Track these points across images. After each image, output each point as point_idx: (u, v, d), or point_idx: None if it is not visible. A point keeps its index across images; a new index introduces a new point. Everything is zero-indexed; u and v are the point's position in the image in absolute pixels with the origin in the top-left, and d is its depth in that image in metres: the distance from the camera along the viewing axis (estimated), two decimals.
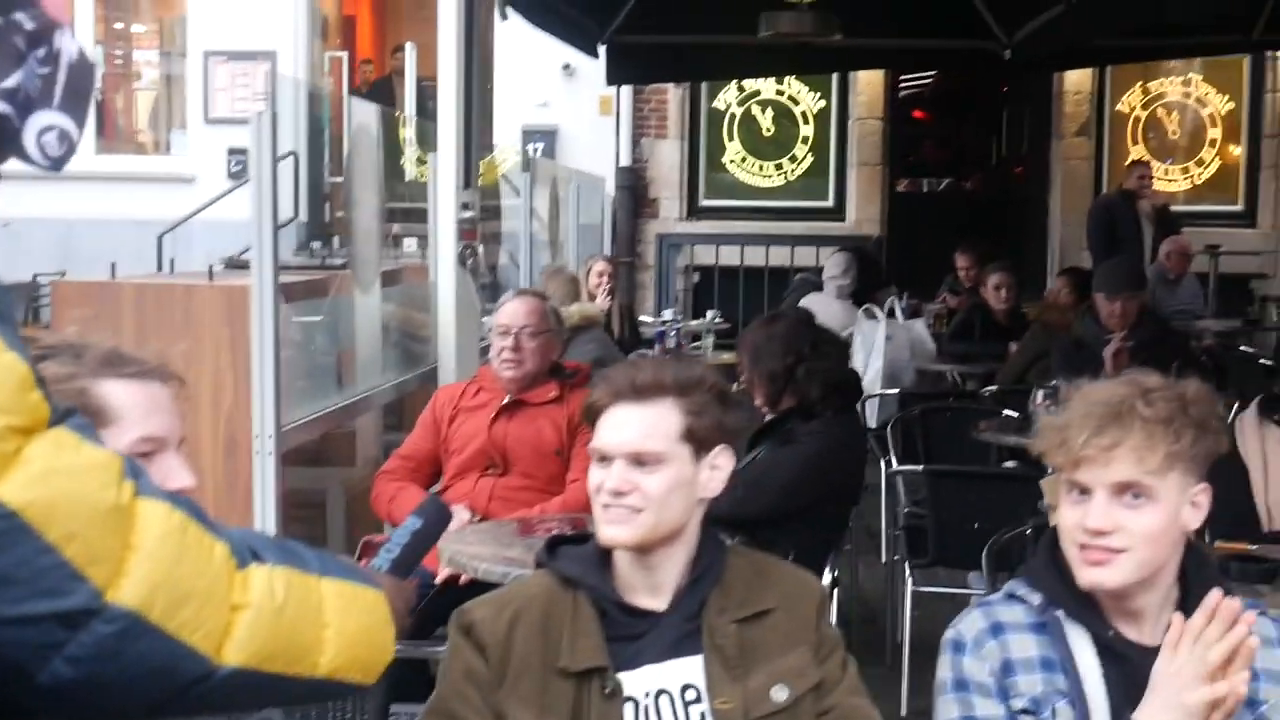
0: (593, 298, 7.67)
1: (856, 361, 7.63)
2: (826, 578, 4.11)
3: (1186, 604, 2.09)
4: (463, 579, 3.44)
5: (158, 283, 5.02)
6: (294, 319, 4.52)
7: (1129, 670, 2.03)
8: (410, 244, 7.26)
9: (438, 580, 3.70)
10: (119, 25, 12.76)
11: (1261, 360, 8.59)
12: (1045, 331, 6.74)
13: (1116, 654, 2.05)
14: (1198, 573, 2.13)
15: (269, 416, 3.78)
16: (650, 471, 2.12)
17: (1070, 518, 2.05)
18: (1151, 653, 2.02)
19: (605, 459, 2.15)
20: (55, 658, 1.19)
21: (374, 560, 1.79)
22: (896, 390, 7.09)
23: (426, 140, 6.63)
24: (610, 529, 2.13)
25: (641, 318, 9.75)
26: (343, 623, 1.40)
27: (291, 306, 4.43)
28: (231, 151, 10.45)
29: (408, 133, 8.40)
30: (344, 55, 12.86)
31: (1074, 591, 2.08)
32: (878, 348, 7.44)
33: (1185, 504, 2.04)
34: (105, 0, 12.18)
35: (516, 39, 9.91)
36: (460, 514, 4.02)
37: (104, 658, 1.20)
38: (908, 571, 4.91)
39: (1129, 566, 2.02)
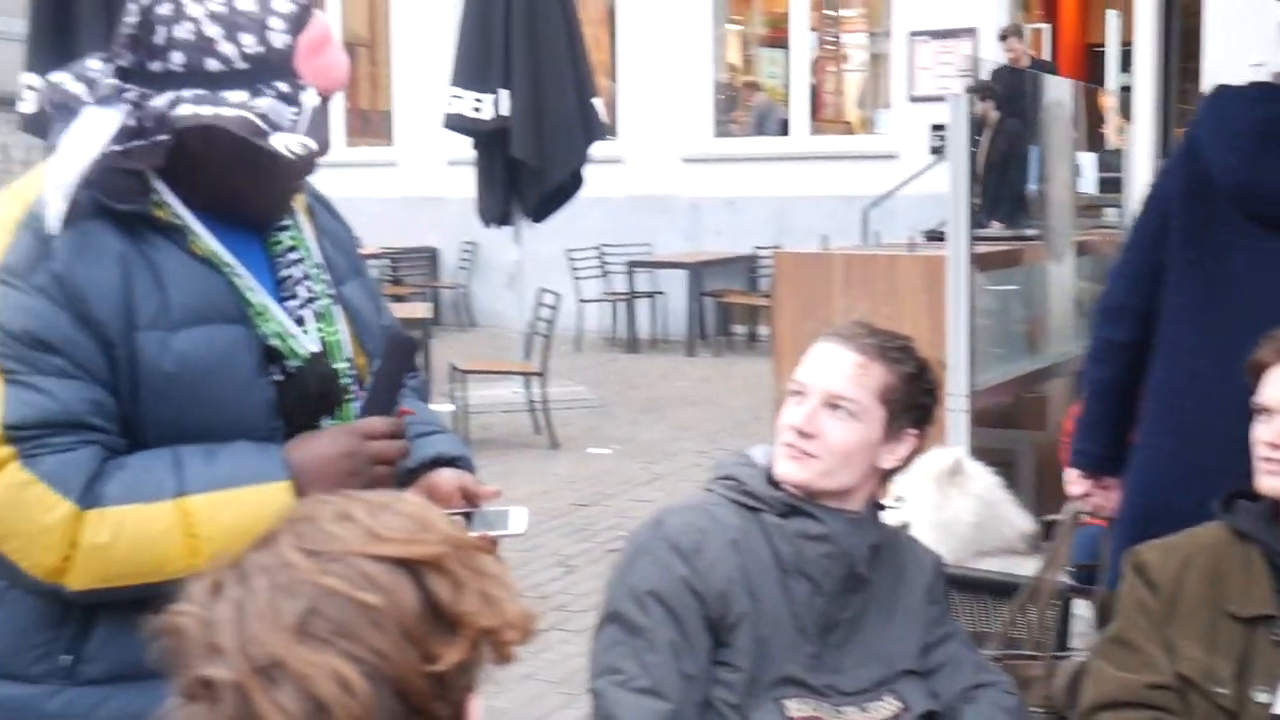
0: None
1: None
2: None
3: None
4: None
5: (864, 253, 5.45)
6: (987, 287, 4.77)
7: None
8: (1110, 214, 7.26)
9: None
10: (830, 12, 13.50)
11: None
12: None
13: None
14: None
15: (962, 378, 4.07)
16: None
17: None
18: None
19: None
20: None
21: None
22: None
23: (1128, 109, 6.63)
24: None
25: None
26: (211, 530, 1.69)
27: (985, 275, 4.68)
28: (934, 128, 10.66)
29: (1110, 102, 8.37)
30: (1045, 28, 12.87)
31: None
32: None
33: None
34: None
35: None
36: None
37: None
38: None
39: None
